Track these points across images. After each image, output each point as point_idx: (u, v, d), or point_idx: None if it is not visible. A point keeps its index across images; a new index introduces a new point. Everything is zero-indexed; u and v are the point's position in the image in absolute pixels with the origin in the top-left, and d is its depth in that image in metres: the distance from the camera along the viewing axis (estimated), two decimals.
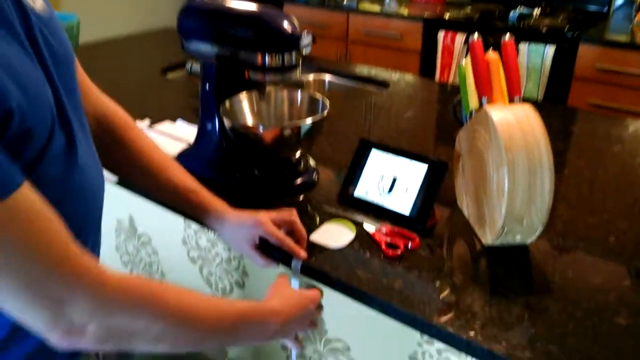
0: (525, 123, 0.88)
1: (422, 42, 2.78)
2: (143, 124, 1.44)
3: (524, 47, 2.43)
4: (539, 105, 1.76)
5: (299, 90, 1.17)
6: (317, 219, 1.04)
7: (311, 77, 1.90)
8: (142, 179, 0.91)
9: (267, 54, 1.00)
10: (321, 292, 0.90)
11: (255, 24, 1.00)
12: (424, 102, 1.63)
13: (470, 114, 1.00)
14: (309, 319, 0.86)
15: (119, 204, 1.71)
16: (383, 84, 1.79)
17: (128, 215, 1.73)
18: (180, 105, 1.62)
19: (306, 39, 0.98)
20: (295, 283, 0.92)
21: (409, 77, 1.85)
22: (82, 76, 0.83)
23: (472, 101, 0.99)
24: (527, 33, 2.49)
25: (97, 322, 0.57)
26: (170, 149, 1.29)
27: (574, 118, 1.55)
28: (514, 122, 0.88)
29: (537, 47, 2.40)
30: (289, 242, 0.90)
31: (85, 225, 0.68)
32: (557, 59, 2.40)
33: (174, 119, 1.49)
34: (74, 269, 0.56)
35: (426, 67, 2.81)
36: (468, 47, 0.99)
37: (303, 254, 0.91)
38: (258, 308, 0.77)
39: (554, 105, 1.64)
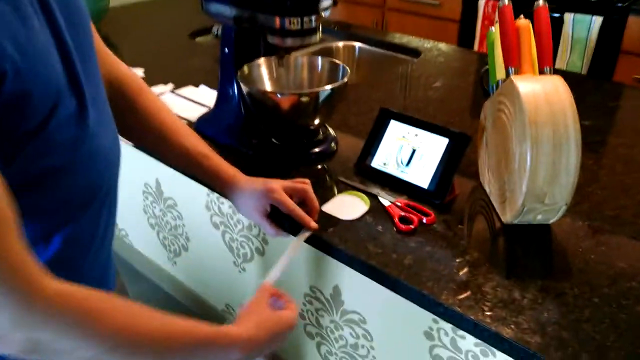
0: (553, 95, 0.82)
1: (461, 10, 2.67)
2: (166, 88, 1.44)
3: (569, 17, 2.30)
4: (581, 79, 1.68)
5: (319, 57, 1.13)
6: (333, 190, 1.01)
7: (341, 44, 1.85)
8: (154, 142, 0.90)
9: (285, 17, 0.97)
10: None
11: None
12: (456, 72, 1.57)
13: (497, 84, 0.94)
14: (280, 342, 0.77)
15: (146, 168, 1.72)
16: (415, 52, 1.73)
17: (155, 179, 1.75)
18: (206, 69, 1.60)
19: (325, 2, 0.94)
20: (276, 272, 0.84)
21: (442, 46, 1.78)
22: (96, 40, 0.82)
23: (499, 71, 0.94)
24: (573, 3, 2.36)
25: (21, 332, 0.52)
26: (191, 114, 1.28)
27: (617, 93, 1.46)
28: (541, 94, 0.82)
29: (583, 18, 2.27)
30: (300, 211, 0.88)
31: (98, 191, 0.67)
32: (604, 31, 2.26)
33: (198, 84, 1.48)
34: (5, 272, 0.50)
35: (465, 37, 2.71)
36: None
37: (313, 224, 0.89)
38: (222, 334, 0.68)
39: (598, 80, 1.54)
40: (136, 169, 1.80)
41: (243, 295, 1.66)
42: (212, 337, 0.66)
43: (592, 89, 1.47)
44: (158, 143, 0.90)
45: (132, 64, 1.64)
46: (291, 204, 0.88)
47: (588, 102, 1.39)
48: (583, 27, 2.28)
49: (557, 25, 2.35)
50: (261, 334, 0.71)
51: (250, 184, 0.90)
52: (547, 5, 0.90)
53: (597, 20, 2.24)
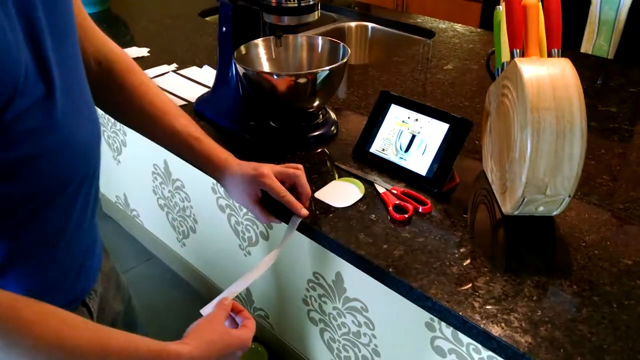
0: (559, 80, 0.77)
1: None
2: (169, 68, 1.41)
3: None
4: (606, 63, 1.59)
5: (320, 37, 1.08)
6: (329, 175, 0.98)
7: (353, 24, 1.79)
8: (143, 123, 0.87)
9: None
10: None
11: None
12: (469, 54, 1.50)
13: (502, 67, 0.89)
14: None
15: (155, 148, 1.71)
16: (429, 33, 1.67)
17: (163, 160, 1.74)
18: (212, 49, 1.57)
19: None
20: (238, 287, 0.79)
21: (458, 27, 1.71)
22: (84, 18, 0.79)
23: (505, 53, 0.88)
24: None
25: None
26: (191, 94, 1.25)
27: None
28: (545, 77, 0.77)
29: None
30: (290, 197, 0.85)
31: (69, 183, 0.63)
32: (634, 12, 2.15)
33: (203, 64, 1.45)
34: None
35: (488, 18, 2.61)
36: None
37: (304, 211, 0.86)
38: (167, 352, 0.61)
39: (624, 64, 1.46)
40: (145, 150, 1.80)
41: None
42: (156, 353, 0.60)
43: (617, 73, 1.39)
44: (146, 123, 0.87)
45: (139, 43, 1.62)
46: (281, 190, 0.85)
47: (611, 87, 1.32)
48: (612, 8, 2.17)
49: (584, 6, 2.25)
50: (212, 354, 0.66)
51: (240, 169, 0.87)
52: None
53: (627, 1, 2.13)
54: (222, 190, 1.53)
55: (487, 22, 2.62)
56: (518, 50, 0.83)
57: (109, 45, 0.84)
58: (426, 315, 1.05)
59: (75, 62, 0.65)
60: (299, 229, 0.87)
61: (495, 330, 0.67)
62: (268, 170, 0.86)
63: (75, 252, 0.69)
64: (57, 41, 0.59)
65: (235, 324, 0.75)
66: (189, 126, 0.89)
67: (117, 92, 0.84)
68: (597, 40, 2.24)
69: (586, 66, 1.43)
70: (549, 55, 0.84)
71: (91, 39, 0.80)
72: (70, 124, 0.61)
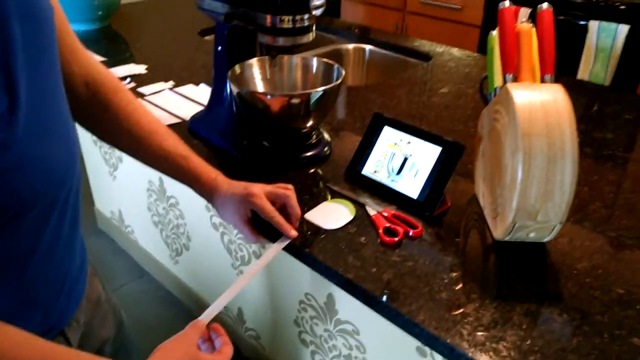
0: (551, 106, 0.77)
1: (483, 15, 2.60)
2: (165, 86, 1.41)
3: (594, 25, 2.21)
4: (602, 90, 1.60)
5: (314, 57, 1.09)
6: (320, 196, 0.97)
7: (351, 46, 1.81)
8: (131, 143, 0.86)
9: (276, 16, 0.93)
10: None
11: None
12: (465, 78, 1.51)
13: (495, 91, 0.89)
14: None
15: None
16: (425, 57, 1.68)
17: (158, 177, 1.73)
18: (209, 68, 1.57)
19: (317, 1, 0.90)
20: (215, 308, 0.76)
21: (454, 51, 1.72)
22: (73, 40, 0.78)
23: (497, 78, 0.88)
24: (599, 10, 2.27)
25: None
26: (185, 112, 1.25)
27: (636, 105, 1.38)
28: (537, 103, 0.77)
29: (609, 26, 2.18)
30: (280, 218, 0.84)
31: (39, 199, 0.61)
32: (631, 41, 2.17)
33: (200, 82, 1.46)
34: None
35: (486, 43, 2.63)
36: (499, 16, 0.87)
37: (293, 232, 0.85)
38: None
39: (620, 92, 1.47)
40: (141, 166, 1.79)
41: (240, 298, 1.63)
42: None
43: (613, 100, 1.39)
44: (134, 144, 0.86)
45: (138, 60, 1.63)
46: (271, 210, 0.84)
47: (606, 113, 1.32)
48: (609, 36, 2.19)
49: (581, 34, 2.26)
50: None
51: (231, 188, 0.87)
52: (551, 8, 0.85)
53: (624, 29, 2.15)
54: None
55: (484, 47, 2.64)
56: (511, 75, 0.83)
57: (96, 66, 0.84)
58: (417, 341, 1.04)
59: (52, 80, 0.64)
60: (288, 251, 0.86)
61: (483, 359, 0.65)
62: (258, 190, 0.85)
63: (48, 279, 0.67)
64: (31, 58, 0.58)
65: (212, 348, 0.73)
66: (177, 145, 0.88)
67: (105, 111, 0.83)
68: (593, 67, 2.25)
69: (582, 93, 1.44)
70: (542, 80, 0.84)
71: (79, 61, 0.80)
72: (35, 142, 0.59)
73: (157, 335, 0.71)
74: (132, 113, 0.84)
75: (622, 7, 2.22)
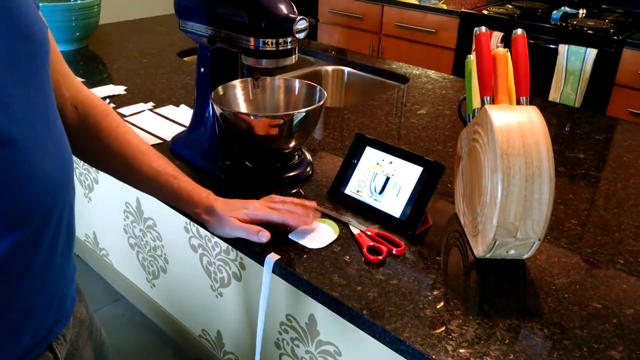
0: (527, 127, 0.79)
1: (457, 39, 2.67)
2: (145, 107, 1.41)
3: (563, 48, 2.29)
4: (573, 111, 1.65)
5: (297, 79, 1.10)
6: None
7: (330, 68, 1.83)
8: (121, 165, 0.87)
9: (259, 38, 0.95)
10: None
11: (248, 6, 0.94)
12: (442, 100, 1.54)
13: (473, 113, 0.92)
14: None
15: (127, 186, 1.70)
16: (403, 79, 1.71)
17: (135, 198, 1.72)
18: (189, 89, 1.58)
19: (300, 24, 0.92)
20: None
21: (431, 73, 1.76)
22: (63, 65, 0.80)
23: (475, 100, 0.91)
24: (568, 34, 2.35)
25: None
26: (166, 133, 1.25)
27: (607, 126, 1.44)
28: (514, 124, 0.80)
29: (578, 50, 2.26)
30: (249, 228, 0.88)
31: (32, 216, 0.61)
32: (599, 64, 2.25)
33: (180, 103, 1.46)
34: None
35: (460, 65, 2.70)
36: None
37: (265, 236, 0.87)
38: None
39: (590, 112, 1.52)
40: (117, 187, 1.78)
41: (219, 321, 1.61)
42: None
43: (583, 121, 1.44)
44: (125, 165, 0.87)
45: (116, 81, 1.62)
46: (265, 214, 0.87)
47: (578, 134, 1.36)
48: (578, 59, 2.27)
49: (551, 57, 2.34)
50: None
51: (224, 208, 0.89)
52: (525, 33, 0.88)
53: (592, 53, 2.24)
54: (194, 229, 1.51)
55: (459, 69, 2.71)
56: (488, 98, 0.86)
57: (85, 91, 0.86)
58: (402, 358, 1.04)
59: (42, 98, 0.64)
60: (272, 270, 0.86)
61: None
62: (243, 215, 0.88)
63: (42, 294, 0.66)
64: (18, 73, 0.58)
65: None
66: (166, 165, 0.90)
67: (95, 134, 0.84)
68: (564, 89, 2.33)
69: (554, 114, 1.48)
70: (518, 102, 0.87)
71: (69, 85, 0.81)
72: (29, 158, 0.59)
73: None
74: (122, 135, 0.85)
75: (590, 32, 2.31)
